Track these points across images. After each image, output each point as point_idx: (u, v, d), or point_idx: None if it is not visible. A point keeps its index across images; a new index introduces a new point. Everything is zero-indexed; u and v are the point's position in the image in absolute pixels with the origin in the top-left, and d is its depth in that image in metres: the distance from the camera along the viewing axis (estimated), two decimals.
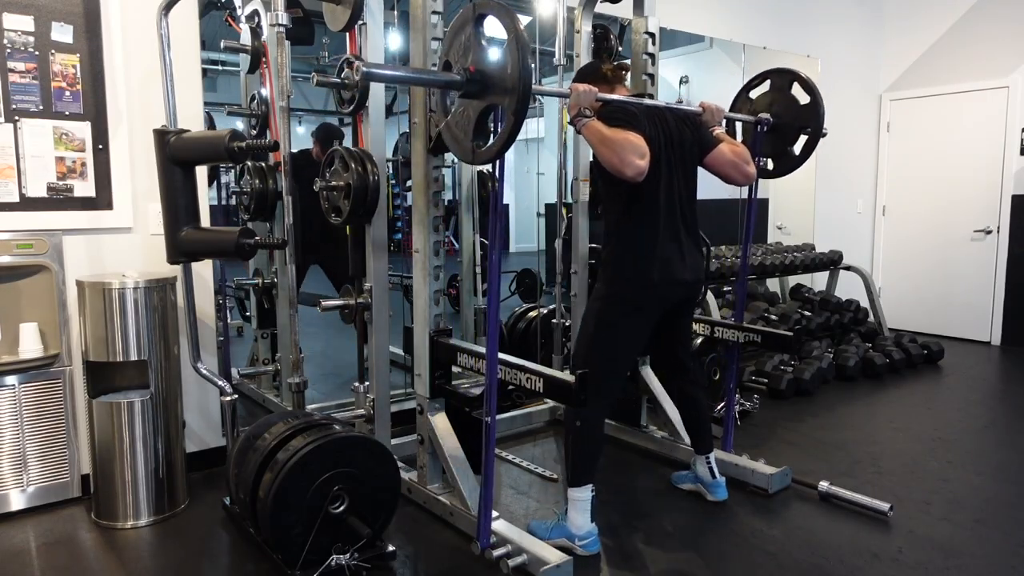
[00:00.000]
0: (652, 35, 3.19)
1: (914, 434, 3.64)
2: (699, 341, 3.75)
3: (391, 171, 4.18)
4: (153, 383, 2.63)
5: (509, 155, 1.99)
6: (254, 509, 2.24)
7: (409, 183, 2.77)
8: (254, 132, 3.49)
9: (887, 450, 3.41)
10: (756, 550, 2.44)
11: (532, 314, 4.20)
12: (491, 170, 2.04)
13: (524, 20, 4.13)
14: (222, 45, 3.40)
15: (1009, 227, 5.68)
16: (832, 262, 5.49)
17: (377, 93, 2.71)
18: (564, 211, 3.68)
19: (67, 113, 2.71)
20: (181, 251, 2.58)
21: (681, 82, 5.24)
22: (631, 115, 2.32)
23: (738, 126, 3.15)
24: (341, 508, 2.21)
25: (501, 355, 2.23)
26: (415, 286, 2.67)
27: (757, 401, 4.02)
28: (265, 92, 3.39)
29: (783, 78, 2.99)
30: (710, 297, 4.12)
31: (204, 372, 2.75)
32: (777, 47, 5.32)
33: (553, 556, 2.18)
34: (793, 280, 5.65)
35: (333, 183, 2.64)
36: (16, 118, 2.62)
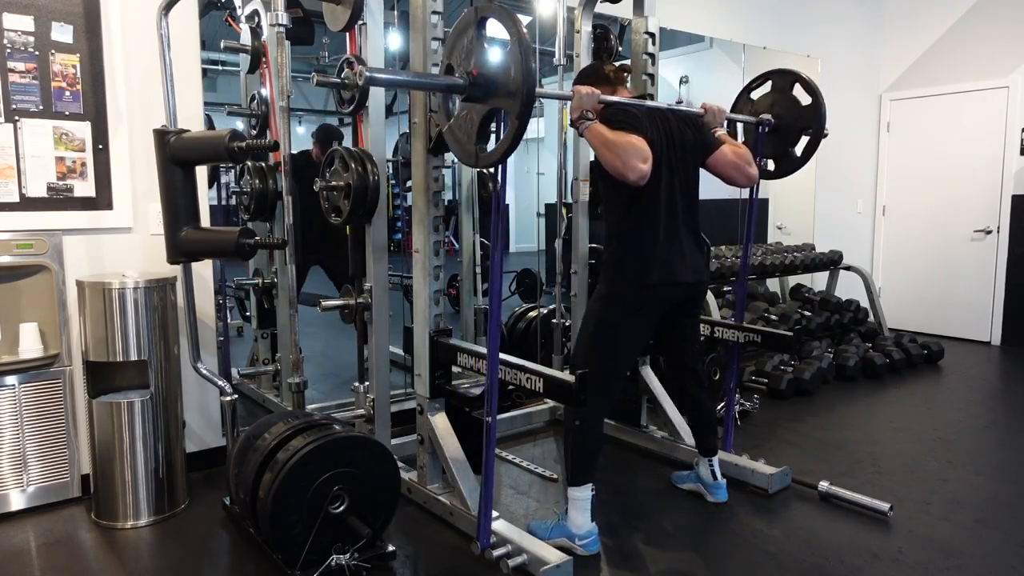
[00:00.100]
0: (652, 35, 3.19)
1: (914, 434, 3.64)
2: None
3: (391, 171, 4.18)
4: (153, 383, 2.63)
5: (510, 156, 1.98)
6: (254, 509, 2.24)
7: (409, 183, 2.77)
8: (254, 132, 3.49)
9: (887, 450, 3.41)
10: (756, 550, 2.44)
11: (532, 314, 4.20)
12: (493, 172, 2.03)
13: (524, 20, 4.12)
14: (222, 45, 3.40)
15: (1009, 227, 5.68)
16: (832, 262, 5.49)
17: (377, 93, 2.71)
18: (564, 211, 3.68)
19: (67, 113, 2.71)
20: (181, 251, 2.58)
21: (681, 82, 5.24)
22: (633, 117, 2.31)
23: (739, 127, 3.15)
24: (341, 508, 2.21)
25: (501, 355, 2.23)
26: (415, 286, 2.67)
27: (757, 401, 4.02)
28: (265, 92, 3.39)
29: (785, 79, 2.99)
30: (710, 297, 4.12)
31: (204, 372, 2.75)
32: (777, 47, 5.32)
33: (553, 556, 2.18)
34: (793, 280, 5.65)
35: (333, 183, 2.64)
36: (16, 118, 2.62)
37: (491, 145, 1.97)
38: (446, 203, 2.67)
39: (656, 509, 2.76)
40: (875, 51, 6.31)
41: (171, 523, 2.65)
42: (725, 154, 2.55)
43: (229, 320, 3.51)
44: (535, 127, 6.27)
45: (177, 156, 2.53)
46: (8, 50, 2.59)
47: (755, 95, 3.10)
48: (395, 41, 3.76)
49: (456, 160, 3.95)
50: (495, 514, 2.31)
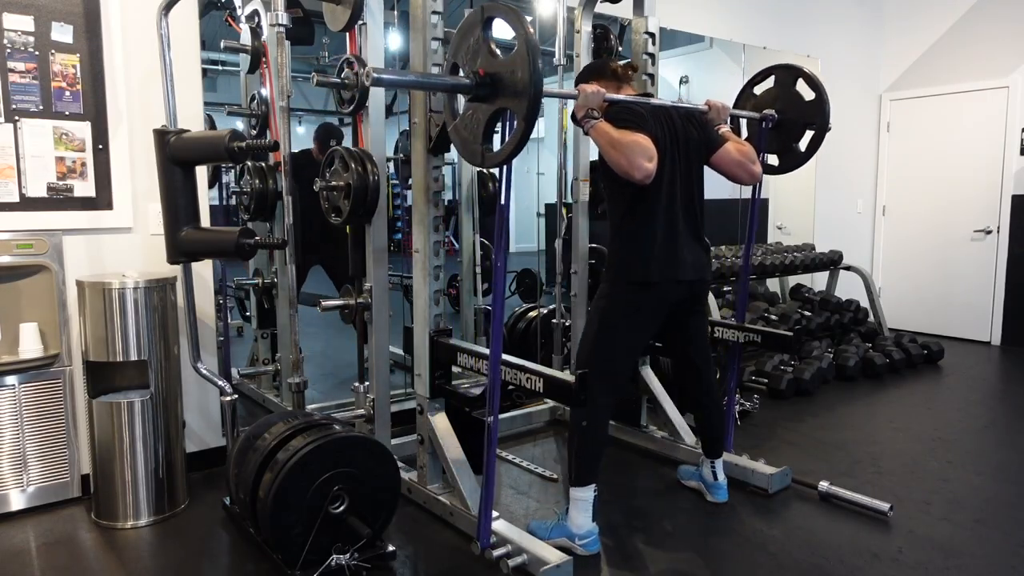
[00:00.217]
0: (652, 35, 3.19)
1: (914, 434, 3.64)
2: None
3: (392, 170, 4.18)
4: (153, 383, 2.63)
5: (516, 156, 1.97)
6: (254, 509, 2.24)
7: (411, 181, 2.77)
8: (254, 132, 3.49)
9: (887, 450, 3.41)
10: (756, 550, 2.44)
11: (532, 314, 4.20)
12: (498, 173, 2.03)
13: None
14: (222, 45, 3.40)
15: (1009, 227, 5.68)
16: (832, 262, 5.49)
17: (377, 93, 2.71)
18: (564, 211, 3.68)
19: (67, 113, 2.71)
20: (181, 251, 2.58)
21: (681, 82, 5.25)
22: (638, 116, 2.31)
23: (742, 122, 3.14)
24: (341, 508, 2.21)
25: (502, 355, 2.23)
26: (415, 286, 2.67)
27: (757, 401, 4.02)
28: (265, 92, 3.39)
29: (788, 74, 2.98)
30: (710, 297, 4.12)
31: (204, 372, 2.75)
32: (777, 47, 5.31)
33: (553, 556, 2.18)
34: (793, 280, 5.65)
35: (333, 183, 2.64)
36: (16, 118, 2.62)
37: (496, 143, 1.97)
38: (446, 203, 2.67)
39: (656, 509, 2.76)
40: (875, 51, 6.31)
41: (171, 523, 2.64)
42: (729, 152, 2.54)
43: (229, 320, 3.50)
44: (535, 127, 6.26)
45: (177, 156, 2.53)
46: (8, 50, 2.59)
47: (758, 90, 3.10)
48: (395, 41, 3.76)
49: (456, 160, 3.99)
50: (495, 514, 2.31)
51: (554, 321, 3.74)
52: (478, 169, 4.00)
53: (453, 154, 3.69)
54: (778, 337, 2.97)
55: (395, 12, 3.56)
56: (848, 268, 5.60)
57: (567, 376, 2.14)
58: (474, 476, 2.53)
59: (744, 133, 3.15)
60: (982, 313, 5.83)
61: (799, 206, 5.93)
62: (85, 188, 2.76)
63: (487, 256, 4.15)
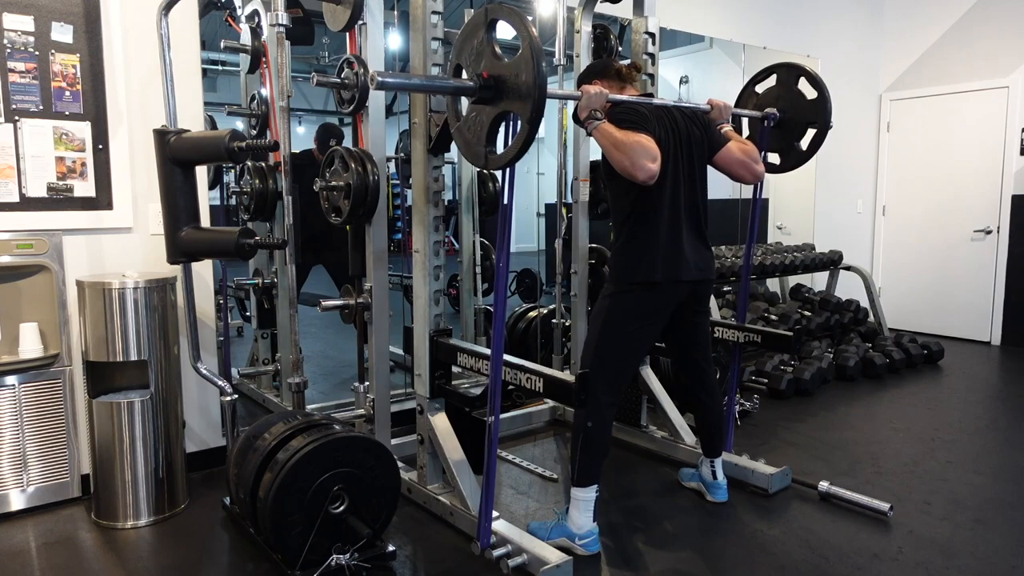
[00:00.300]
0: (652, 35, 3.19)
1: (914, 434, 3.64)
2: None
3: (394, 169, 4.18)
4: (153, 383, 2.63)
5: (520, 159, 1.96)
6: (254, 509, 2.24)
7: (411, 181, 2.77)
8: (254, 132, 3.49)
9: (887, 450, 3.41)
10: (756, 550, 2.44)
11: (532, 314, 4.20)
12: (501, 174, 2.02)
13: None
14: (222, 45, 3.40)
15: (1009, 227, 5.68)
16: (832, 262, 5.49)
17: (377, 93, 2.71)
18: (564, 211, 3.68)
19: (67, 113, 2.71)
20: (181, 251, 2.58)
21: (681, 82, 5.25)
22: (641, 116, 2.31)
23: (744, 121, 3.14)
24: (341, 508, 2.22)
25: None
26: (415, 286, 2.67)
27: (757, 401, 4.02)
28: (265, 92, 3.39)
29: (790, 72, 2.98)
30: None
31: (204, 372, 2.75)
32: (777, 47, 5.32)
33: (553, 556, 2.18)
34: (793, 280, 5.66)
35: (333, 183, 2.64)
36: (16, 118, 2.62)
37: (499, 145, 1.97)
38: (446, 203, 2.67)
39: (656, 509, 2.76)
40: (875, 51, 6.31)
41: (171, 523, 2.65)
42: (732, 151, 2.54)
43: (229, 320, 3.50)
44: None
45: (177, 156, 2.53)
46: (8, 50, 2.59)
47: (760, 89, 3.09)
48: (395, 41, 3.76)
49: (456, 160, 3.99)
50: (495, 514, 2.31)
51: (554, 321, 3.74)
52: (478, 169, 4.00)
53: (453, 154, 3.69)
54: (778, 337, 2.97)
55: (395, 12, 3.56)
56: (848, 268, 5.60)
57: (567, 376, 2.14)
58: (474, 476, 2.53)
59: (746, 132, 3.15)
60: (982, 313, 5.83)
61: (799, 206, 5.93)
62: (85, 188, 2.76)
63: (487, 256, 4.15)
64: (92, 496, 2.68)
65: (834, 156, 5.71)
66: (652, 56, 3.20)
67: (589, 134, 2.30)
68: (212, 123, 3.40)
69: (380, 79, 1.85)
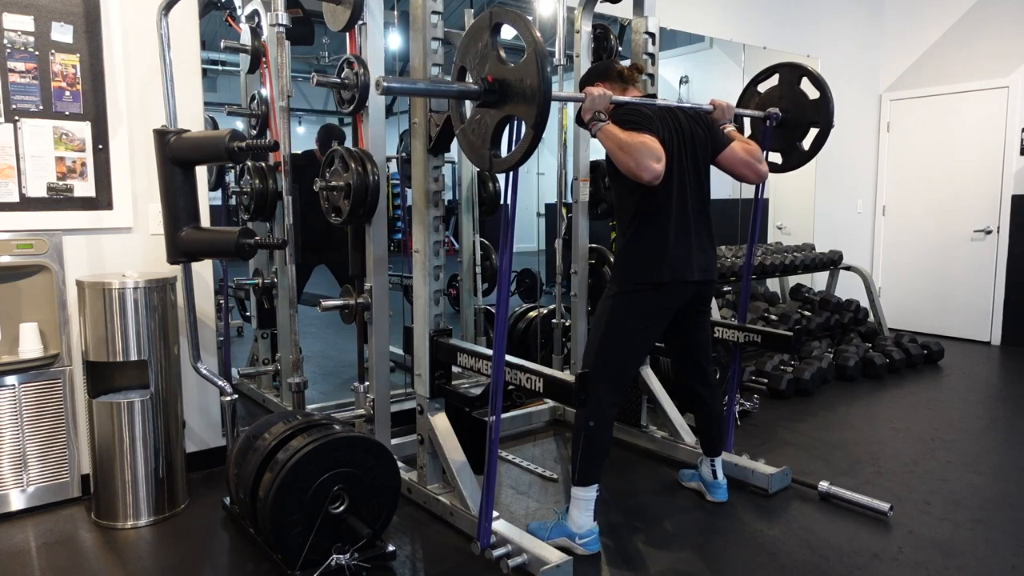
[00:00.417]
0: (652, 35, 3.19)
1: (914, 434, 3.64)
2: None
3: (395, 168, 4.18)
4: (153, 383, 2.63)
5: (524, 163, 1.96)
6: (254, 509, 2.24)
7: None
8: (254, 132, 3.49)
9: (887, 450, 3.41)
10: (756, 550, 2.44)
11: (532, 314, 4.20)
12: (504, 175, 2.02)
13: None
14: (222, 45, 3.40)
15: (1009, 227, 5.67)
16: (832, 262, 5.49)
17: (377, 93, 2.70)
18: (564, 211, 3.68)
19: (67, 113, 2.71)
20: (181, 251, 2.58)
21: (681, 82, 5.25)
22: (645, 117, 2.31)
23: (746, 120, 3.14)
24: (341, 508, 2.22)
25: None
26: (415, 286, 2.67)
27: (757, 401, 4.02)
28: (265, 92, 3.39)
29: (792, 72, 2.98)
30: None
31: (204, 372, 2.75)
32: (777, 47, 5.32)
33: (553, 556, 2.18)
34: (793, 280, 5.66)
35: (333, 183, 2.64)
36: (16, 118, 2.62)
37: (503, 148, 1.97)
38: (446, 203, 2.67)
39: (656, 509, 2.76)
40: (875, 51, 6.31)
41: (171, 523, 2.65)
42: (735, 151, 2.55)
43: (229, 320, 3.50)
44: None
45: (177, 156, 2.53)
46: (8, 50, 2.59)
47: (762, 88, 3.09)
48: (395, 41, 3.76)
49: (456, 160, 3.99)
50: (495, 514, 2.31)
51: (554, 321, 3.74)
52: (478, 169, 4.00)
53: (453, 154, 3.70)
54: (778, 337, 2.97)
55: (395, 12, 3.56)
56: (848, 268, 5.60)
57: (567, 376, 2.14)
58: (474, 476, 2.53)
59: (748, 131, 3.15)
60: (982, 313, 5.83)
61: (799, 206, 5.93)
62: (85, 188, 2.76)
63: (487, 256, 4.15)
64: (92, 496, 2.68)
65: (834, 156, 5.71)
66: (652, 56, 3.20)
67: (593, 136, 2.30)
68: (214, 123, 3.40)
69: (386, 84, 1.85)
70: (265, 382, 3.81)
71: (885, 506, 2.67)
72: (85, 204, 2.77)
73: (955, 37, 5.90)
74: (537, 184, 5.23)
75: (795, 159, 3.04)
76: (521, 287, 5.64)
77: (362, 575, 2.19)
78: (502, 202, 2.09)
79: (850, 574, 2.29)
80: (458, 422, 2.62)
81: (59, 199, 2.72)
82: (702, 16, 4.85)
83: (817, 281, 5.88)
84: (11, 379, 2.63)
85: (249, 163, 3.30)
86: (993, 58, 5.68)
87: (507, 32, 1.94)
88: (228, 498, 2.67)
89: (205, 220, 2.87)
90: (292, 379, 2.77)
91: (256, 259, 3.61)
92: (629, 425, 3.45)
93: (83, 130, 2.75)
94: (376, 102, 2.69)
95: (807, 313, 5.11)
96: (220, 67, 3.91)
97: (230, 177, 3.76)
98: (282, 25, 2.62)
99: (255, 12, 3.32)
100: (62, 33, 2.68)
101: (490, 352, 2.28)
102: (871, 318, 5.57)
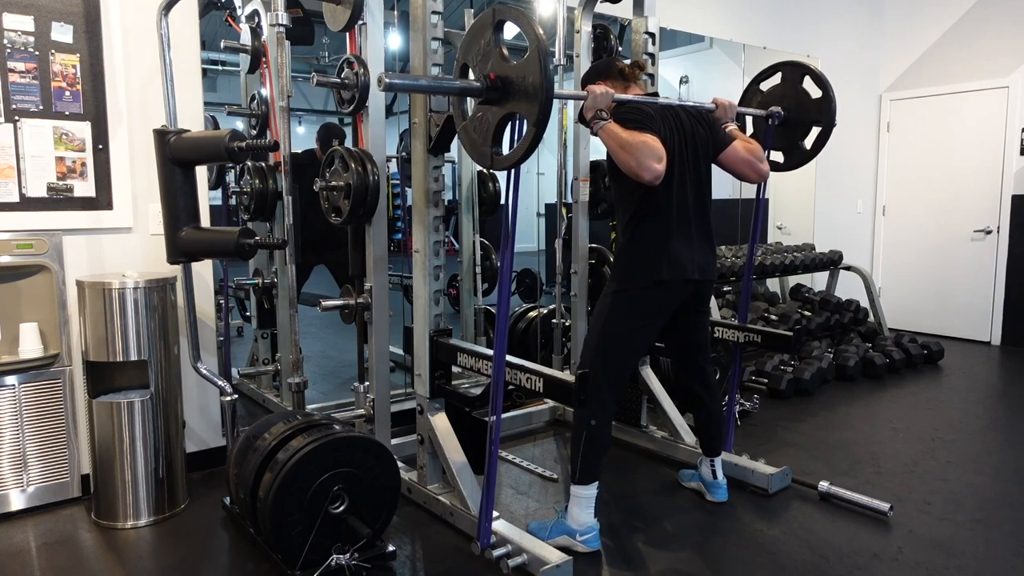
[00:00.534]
0: (652, 35, 3.19)
1: (914, 434, 3.64)
2: None
3: (395, 168, 4.18)
4: (153, 383, 2.63)
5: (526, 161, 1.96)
6: (254, 509, 2.24)
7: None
8: (254, 132, 3.49)
9: (887, 450, 3.41)
10: (756, 550, 2.44)
11: (532, 314, 4.20)
12: (505, 174, 2.02)
13: None
14: (222, 45, 3.40)
15: (1009, 227, 5.67)
16: (832, 262, 5.49)
17: (377, 93, 2.71)
18: (564, 211, 3.68)
19: (67, 113, 2.71)
20: (181, 251, 2.58)
21: (681, 82, 5.25)
22: (647, 116, 2.31)
23: (748, 119, 3.14)
24: (341, 508, 2.22)
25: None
26: (415, 286, 2.67)
27: (757, 401, 4.02)
28: (265, 92, 3.39)
29: (795, 71, 2.98)
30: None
31: (204, 372, 2.75)
32: (777, 47, 5.32)
33: (553, 556, 2.18)
34: (793, 280, 5.66)
35: (333, 183, 2.64)
36: (16, 118, 2.62)
37: (504, 145, 1.97)
38: (446, 203, 2.67)
39: (656, 509, 2.76)
40: (875, 51, 6.31)
41: (171, 523, 2.64)
42: (737, 151, 2.54)
43: (229, 320, 3.50)
44: None
45: (177, 156, 2.53)
46: (8, 50, 2.59)
47: (764, 87, 3.09)
48: (395, 41, 3.76)
49: (456, 160, 3.99)
50: (495, 514, 2.31)
51: (554, 321, 3.74)
52: (478, 169, 4.00)
53: (453, 154, 3.69)
54: (778, 337, 2.97)
55: (395, 12, 3.56)
56: (848, 268, 5.60)
57: (567, 376, 2.14)
58: (474, 476, 2.53)
59: (750, 130, 3.14)
60: (982, 313, 5.83)
61: (799, 206, 5.93)
62: (85, 188, 2.76)
63: (487, 256, 4.15)
64: (92, 496, 2.68)
65: (834, 156, 5.71)
66: (652, 56, 3.20)
67: (595, 134, 2.30)
68: (214, 123, 3.40)
69: (387, 80, 1.85)
70: (265, 382, 3.81)
71: (885, 506, 2.67)
72: (85, 204, 2.77)
73: (955, 37, 5.90)
74: (537, 184, 5.22)
75: (797, 158, 3.04)
76: (521, 287, 5.64)
77: (362, 575, 2.19)
78: (502, 202, 2.08)
79: (850, 574, 2.29)
80: (458, 422, 2.62)
81: (59, 199, 2.72)
82: (702, 16, 4.85)
83: (817, 281, 5.88)
84: (11, 379, 2.63)
85: (249, 163, 3.30)
86: (993, 58, 5.68)
87: (508, 33, 1.94)
88: (228, 498, 2.67)
89: (205, 220, 2.86)
90: (292, 379, 2.77)
91: (256, 259, 3.61)
92: (629, 425, 3.45)
93: (83, 130, 2.75)
94: (376, 102, 2.69)
95: (807, 313, 5.11)
96: (220, 67, 3.91)
97: (230, 177, 3.76)
98: (282, 25, 2.62)
99: (255, 12, 3.32)
100: (62, 33, 2.68)
101: (490, 352, 2.28)
102: (871, 318, 5.57)
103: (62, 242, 2.72)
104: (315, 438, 2.20)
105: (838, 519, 2.68)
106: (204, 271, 3.05)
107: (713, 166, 2.59)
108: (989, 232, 5.78)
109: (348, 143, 2.87)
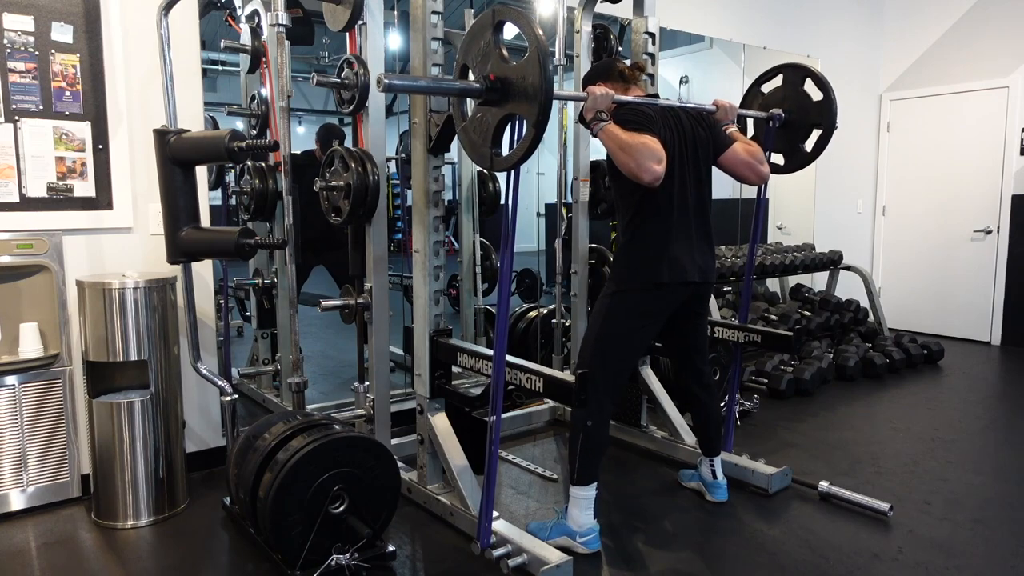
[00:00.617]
0: (652, 35, 3.19)
1: (914, 434, 3.64)
2: None
3: (394, 169, 4.19)
4: (153, 383, 2.63)
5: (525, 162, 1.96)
6: (254, 509, 2.24)
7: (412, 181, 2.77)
8: (254, 132, 3.49)
9: (887, 450, 3.41)
10: (756, 550, 2.44)
11: (532, 314, 4.20)
12: (505, 174, 2.02)
13: None
14: (222, 45, 3.40)
15: (1009, 227, 5.68)
16: (832, 262, 5.49)
17: (377, 93, 2.71)
18: (564, 211, 3.68)
19: (67, 113, 2.71)
20: (181, 251, 2.58)
21: (681, 82, 5.25)
22: (647, 117, 2.31)
23: (749, 121, 3.14)
24: (341, 508, 2.22)
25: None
26: (415, 286, 2.67)
27: (757, 401, 4.02)
28: (265, 92, 3.39)
29: (796, 73, 2.98)
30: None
31: (204, 372, 2.75)
32: (777, 47, 5.32)
33: (553, 556, 2.18)
34: (793, 280, 5.66)
35: (333, 183, 2.64)
36: (16, 118, 2.62)
37: (504, 146, 1.97)
38: (446, 203, 2.67)
39: (656, 509, 2.76)
40: (875, 51, 6.31)
41: (171, 523, 2.64)
42: (737, 152, 2.54)
43: (229, 320, 3.50)
44: None
45: (177, 156, 2.53)
46: (8, 50, 2.59)
47: (765, 89, 3.09)
48: (395, 41, 3.76)
49: (456, 160, 3.99)
50: (495, 514, 2.31)
51: (554, 321, 3.74)
52: (478, 169, 4.00)
53: (453, 154, 3.69)
54: (778, 337, 2.97)
55: (395, 12, 3.56)
56: (848, 268, 5.60)
57: (567, 376, 2.14)
58: (474, 476, 2.53)
59: (751, 132, 3.14)
60: (982, 313, 5.83)
61: (799, 206, 5.93)
62: (85, 188, 2.76)
63: (487, 256, 4.15)
64: (92, 496, 2.68)
65: (834, 156, 5.67)
66: (652, 56, 3.20)
67: (594, 135, 2.30)
68: (214, 123, 3.40)
69: (387, 81, 1.85)
70: (265, 382, 3.81)
71: (885, 506, 2.67)
72: (85, 204, 2.77)
73: (955, 37, 5.90)
74: (537, 184, 5.23)
75: (797, 161, 3.04)
76: (521, 287, 5.64)
77: (362, 575, 2.19)
78: (502, 202, 2.08)
79: (850, 574, 2.29)
80: (458, 422, 2.62)
81: (59, 199, 2.72)
82: (702, 16, 4.85)
83: (817, 281, 5.88)
84: (11, 379, 2.63)
85: (249, 163, 3.30)
86: (993, 58, 5.68)
87: (508, 33, 1.94)
88: (228, 498, 2.67)
89: (205, 220, 2.86)
90: (292, 379, 2.77)
91: (256, 259, 3.61)
92: (629, 425, 3.45)
93: (83, 130, 2.75)
94: (376, 102, 2.69)
95: (807, 313, 5.11)
96: (220, 67, 3.91)
97: (230, 177, 3.76)
98: (282, 25, 2.62)
99: (255, 12, 3.32)
100: (62, 33, 2.68)
101: (490, 352, 2.28)
102: (871, 318, 5.57)
103: (62, 242, 2.72)
104: (315, 438, 2.20)
105: (838, 519, 2.68)
106: (204, 271, 3.05)
107: (713, 168, 2.59)
108: (989, 232, 5.78)
109: (348, 143, 2.87)
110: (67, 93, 2.71)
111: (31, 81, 2.64)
